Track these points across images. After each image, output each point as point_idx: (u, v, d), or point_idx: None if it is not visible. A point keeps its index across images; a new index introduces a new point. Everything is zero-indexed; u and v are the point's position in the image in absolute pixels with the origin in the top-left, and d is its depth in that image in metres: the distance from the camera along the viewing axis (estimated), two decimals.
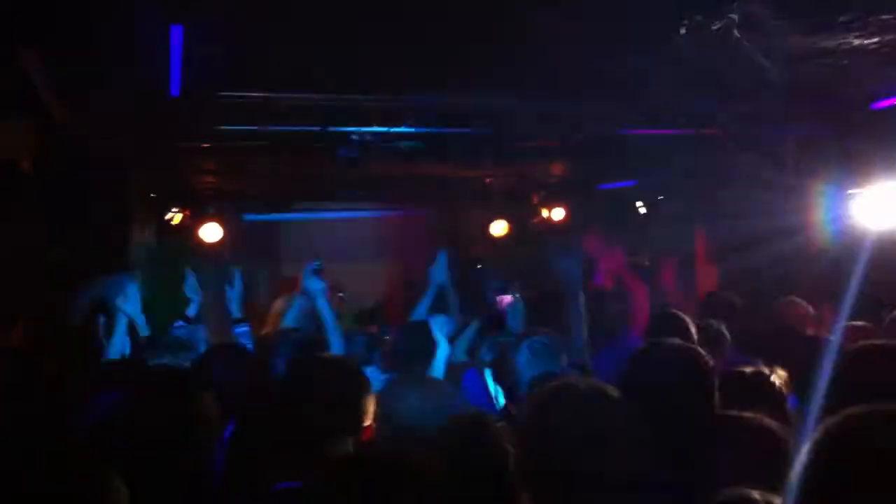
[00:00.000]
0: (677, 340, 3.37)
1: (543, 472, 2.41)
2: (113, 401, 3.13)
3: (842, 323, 4.69)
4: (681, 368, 3.06)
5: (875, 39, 5.42)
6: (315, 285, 5.22)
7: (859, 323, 5.09)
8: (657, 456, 2.61)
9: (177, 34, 5.00)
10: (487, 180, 11.30)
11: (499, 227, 13.32)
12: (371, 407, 2.96)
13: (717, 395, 3.01)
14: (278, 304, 10.71)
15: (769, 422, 2.70)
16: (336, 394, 2.92)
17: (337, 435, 2.72)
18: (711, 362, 3.15)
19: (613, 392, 2.55)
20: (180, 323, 6.95)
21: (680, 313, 5.01)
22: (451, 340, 6.22)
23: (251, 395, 4.07)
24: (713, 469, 2.47)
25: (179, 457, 2.70)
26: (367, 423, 2.92)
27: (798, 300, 6.46)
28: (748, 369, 3.71)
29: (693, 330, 4.83)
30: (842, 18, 5.03)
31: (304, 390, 3.00)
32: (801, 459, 1.46)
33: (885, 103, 6.79)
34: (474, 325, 6.53)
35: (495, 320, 7.08)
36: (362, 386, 3.00)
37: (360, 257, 12.67)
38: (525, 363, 4.25)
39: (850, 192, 7.02)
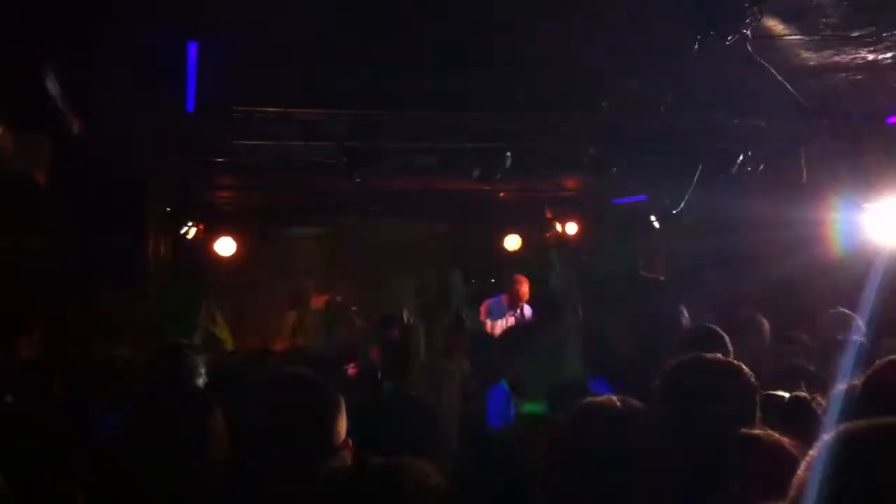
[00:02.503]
0: (720, 355, 3.33)
1: (573, 490, 2.40)
2: (122, 418, 3.13)
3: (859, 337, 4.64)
4: (725, 383, 3.03)
5: (889, 55, 5.42)
6: None
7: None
8: (689, 473, 2.59)
9: (193, 50, 5.04)
10: (501, 195, 11.32)
11: (512, 242, 13.34)
12: (342, 424, 2.91)
13: (758, 413, 2.97)
14: (288, 317, 10.81)
15: (780, 439, 2.67)
16: (303, 412, 2.89)
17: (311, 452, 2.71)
18: (754, 379, 3.11)
19: (648, 412, 2.53)
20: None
21: (717, 328, 4.90)
22: None
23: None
24: (733, 487, 2.46)
25: (182, 476, 2.71)
26: (340, 440, 2.88)
27: (845, 311, 6.20)
28: (787, 394, 3.67)
29: (730, 345, 4.72)
30: (855, 33, 5.04)
31: (274, 409, 2.98)
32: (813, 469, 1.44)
33: None
34: None
35: None
36: (328, 403, 2.95)
37: (374, 270, 12.72)
38: None
39: (863, 205, 6.99)
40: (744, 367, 3.19)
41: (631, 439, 2.41)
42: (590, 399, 2.64)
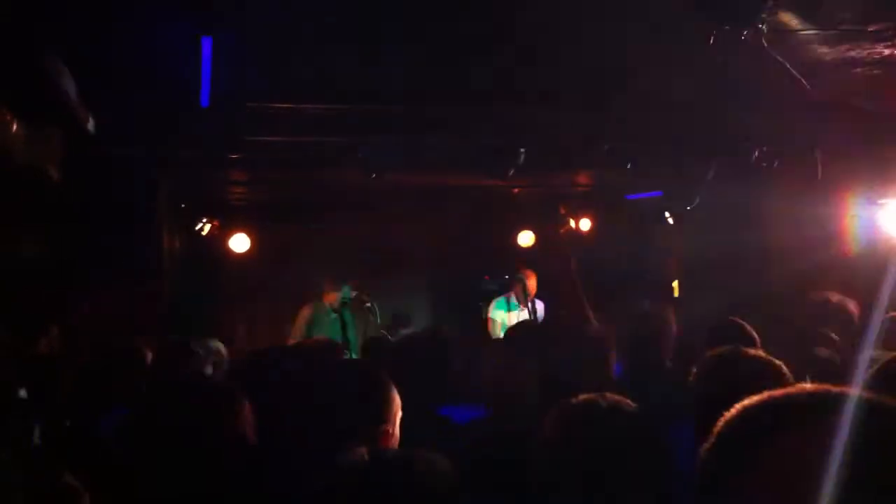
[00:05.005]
0: (759, 351, 3.31)
1: (563, 488, 2.39)
2: (131, 413, 3.13)
3: (871, 337, 4.60)
4: (763, 379, 3.01)
5: None
6: None
7: None
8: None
9: (206, 45, 5.04)
10: (514, 191, 11.30)
11: (525, 238, 13.31)
12: (393, 410, 2.92)
13: None
14: (304, 312, 10.80)
15: None
16: (351, 396, 2.90)
17: (353, 438, 2.70)
18: (790, 376, 3.08)
19: (636, 410, 2.51)
20: None
21: (743, 322, 4.86)
22: None
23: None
24: None
25: (196, 467, 2.70)
26: (386, 426, 2.89)
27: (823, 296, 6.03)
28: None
29: (757, 339, 4.68)
30: (871, 28, 5.00)
31: (319, 393, 2.99)
32: None
33: None
34: None
35: None
36: (380, 388, 2.96)
37: (386, 267, 12.71)
38: None
39: (880, 201, 6.96)
40: (779, 363, 3.18)
41: (616, 436, 2.39)
42: (575, 399, 2.61)
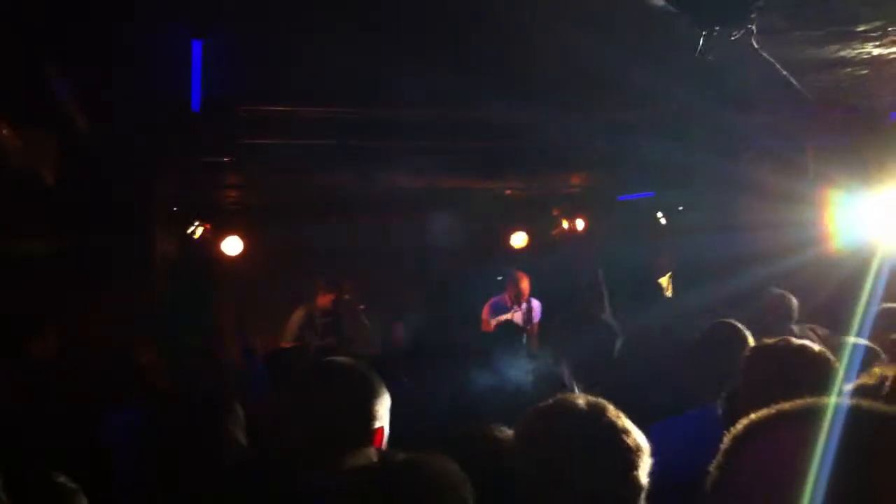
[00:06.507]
0: (807, 342, 3.32)
1: (540, 487, 2.39)
2: (131, 419, 3.14)
3: (863, 338, 4.59)
4: (811, 370, 3.04)
5: (893, 49, 5.41)
6: None
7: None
8: None
9: (197, 49, 5.04)
10: (507, 192, 11.31)
11: (519, 239, 13.31)
12: (382, 410, 2.92)
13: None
14: (296, 315, 10.78)
15: None
16: (340, 398, 2.90)
17: (348, 441, 2.71)
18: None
19: (615, 410, 2.50)
20: None
21: (736, 323, 4.86)
22: None
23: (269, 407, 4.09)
24: None
25: (195, 470, 2.71)
26: (378, 426, 2.88)
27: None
28: None
29: (750, 341, 4.67)
30: (860, 28, 5.02)
31: (308, 396, 2.98)
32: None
33: None
34: None
35: None
36: (368, 389, 2.96)
37: (380, 269, 12.70)
38: None
39: (869, 201, 6.98)
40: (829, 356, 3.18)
41: (594, 435, 2.38)
42: (556, 399, 2.59)
